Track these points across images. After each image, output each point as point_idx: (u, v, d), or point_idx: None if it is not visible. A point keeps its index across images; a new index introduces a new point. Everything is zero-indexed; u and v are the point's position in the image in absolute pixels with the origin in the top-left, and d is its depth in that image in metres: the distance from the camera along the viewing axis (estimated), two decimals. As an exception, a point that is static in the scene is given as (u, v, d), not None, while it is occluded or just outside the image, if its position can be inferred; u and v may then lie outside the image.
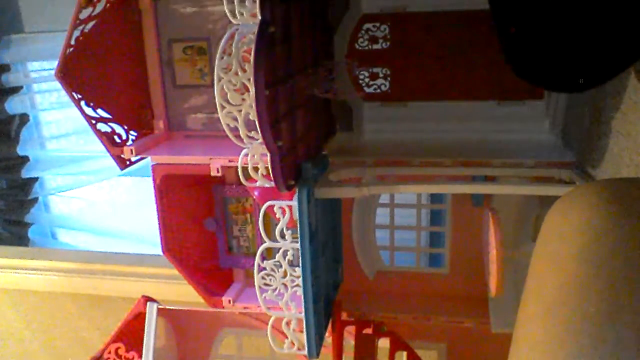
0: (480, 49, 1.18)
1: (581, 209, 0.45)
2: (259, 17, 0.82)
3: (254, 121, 0.84)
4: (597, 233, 0.43)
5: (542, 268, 0.47)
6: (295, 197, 0.95)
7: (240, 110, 0.85)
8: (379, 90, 1.28)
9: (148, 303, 1.26)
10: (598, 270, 0.41)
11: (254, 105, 0.83)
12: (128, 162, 1.16)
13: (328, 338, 1.17)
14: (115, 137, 1.15)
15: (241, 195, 1.31)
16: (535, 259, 0.48)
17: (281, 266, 1.00)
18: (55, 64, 1.04)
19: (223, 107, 0.85)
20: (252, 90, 0.83)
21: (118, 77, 1.17)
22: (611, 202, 0.45)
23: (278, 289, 1.01)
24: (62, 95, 1.89)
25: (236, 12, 0.83)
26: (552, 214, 0.49)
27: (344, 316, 1.26)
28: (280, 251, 0.99)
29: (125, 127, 1.18)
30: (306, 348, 1.04)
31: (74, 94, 1.07)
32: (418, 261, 1.36)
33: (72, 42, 1.05)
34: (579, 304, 0.40)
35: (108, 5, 1.11)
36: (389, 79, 1.27)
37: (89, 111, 1.11)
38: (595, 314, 0.39)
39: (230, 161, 1.07)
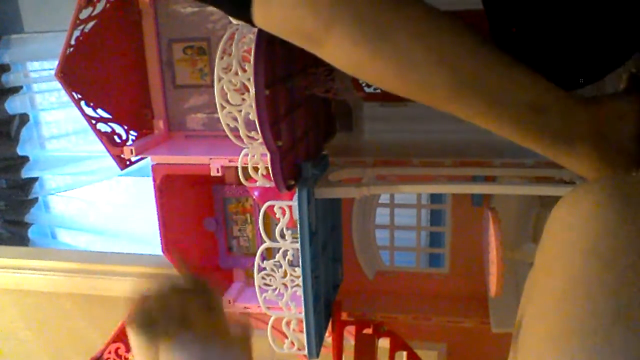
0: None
1: (592, 204, 0.45)
2: (259, 17, 0.82)
3: (254, 121, 0.84)
4: (608, 228, 0.43)
5: (548, 264, 0.46)
6: (295, 197, 0.95)
7: (240, 110, 0.85)
8: (378, 90, 1.28)
9: (148, 303, 1.26)
10: (609, 265, 0.40)
11: (254, 105, 0.83)
12: (128, 162, 1.16)
13: (328, 338, 1.17)
14: (115, 137, 1.15)
15: (241, 195, 1.31)
16: (541, 254, 0.48)
17: (281, 266, 1.00)
18: (55, 64, 1.04)
19: (223, 107, 0.85)
20: (252, 90, 0.83)
21: (118, 77, 1.17)
22: (623, 198, 0.44)
23: (278, 289, 1.01)
24: (62, 95, 1.89)
25: (236, 12, 0.83)
26: (560, 208, 0.48)
27: (344, 316, 1.26)
28: (280, 251, 0.99)
29: (125, 127, 1.18)
30: (306, 348, 1.04)
31: (74, 94, 1.07)
32: (418, 261, 1.36)
33: (72, 42, 1.05)
34: (589, 302, 0.40)
35: (108, 5, 1.11)
36: (389, 79, 1.27)
37: (89, 111, 1.11)
38: (606, 311, 0.38)
39: (230, 161, 1.07)
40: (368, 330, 1.22)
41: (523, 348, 0.44)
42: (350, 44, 0.53)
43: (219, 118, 0.86)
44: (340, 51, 0.54)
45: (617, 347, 0.36)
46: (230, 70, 0.84)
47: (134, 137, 1.19)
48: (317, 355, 1.07)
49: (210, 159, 1.09)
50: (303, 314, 1.01)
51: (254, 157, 0.91)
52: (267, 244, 0.99)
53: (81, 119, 1.10)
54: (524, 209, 1.21)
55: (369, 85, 1.28)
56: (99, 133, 1.12)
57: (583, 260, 0.42)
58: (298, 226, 0.96)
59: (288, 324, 1.04)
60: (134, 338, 0.52)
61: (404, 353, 1.21)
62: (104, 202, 2.13)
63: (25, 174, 1.96)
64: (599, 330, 0.37)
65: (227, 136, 0.87)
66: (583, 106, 0.54)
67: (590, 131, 0.53)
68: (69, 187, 2.05)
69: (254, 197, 1.13)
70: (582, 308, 0.39)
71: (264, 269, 1.00)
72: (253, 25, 0.58)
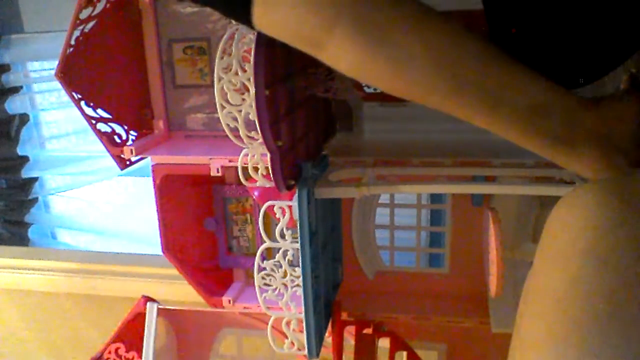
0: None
1: (592, 204, 0.45)
2: (259, 17, 0.82)
3: (254, 121, 0.84)
4: (608, 228, 0.43)
5: (548, 264, 0.46)
6: (295, 197, 0.95)
7: (240, 110, 0.85)
8: (378, 90, 1.28)
9: (148, 303, 1.26)
10: (608, 265, 0.41)
11: (254, 105, 0.83)
12: (128, 162, 1.16)
13: (328, 338, 1.17)
14: (115, 137, 1.15)
15: (241, 195, 1.31)
16: (541, 254, 0.48)
17: (281, 266, 1.00)
18: (55, 64, 1.04)
19: (223, 107, 0.85)
20: (252, 90, 0.83)
21: (118, 77, 1.17)
22: (622, 198, 0.45)
23: (278, 289, 1.01)
24: (62, 95, 1.89)
25: (236, 12, 0.83)
26: (560, 208, 0.48)
27: (344, 316, 1.25)
28: (280, 251, 0.99)
29: (125, 127, 1.18)
30: (306, 348, 1.04)
31: (74, 94, 1.07)
32: (418, 261, 1.36)
33: (72, 42, 1.05)
34: (587, 302, 0.40)
35: (108, 5, 1.11)
36: (389, 79, 1.27)
37: (89, 111, 1.11)
38: (604, 312, 0.38)
39: (230, 161, 1.08)
40: (368, 330, 1.22)
41: (523, 348, 0.44)
42: (352, 45, 0.53)
43: (219, 118, 0.86)
44: (343, 52, 0.54)
45: (616, 347, 0.36)
46: (230, 70, 0.84)
47: (134, 137, 1.19)
48: (317, 355, 1.07)
49: (210, 159, 1.09)
50: (303, 314, 1.01)
51: (254, 157, 0.91)
52: (267, 244, 0.99)
53: (81, 119, 1.10)
54: (524, 209, 1.21)
55: (369, 85, 1.28)
56: (99, 133, 1.12)
57: (582, 260, 0.42)
58: (298, 226, 0.96)
59: (288, 324, 1.04)
60: None
61: (404, 353, 1.21)
62: (104, 202, 2.13)
63: (25, 174, 1.96)
64: (598, 330, 0.37)
65: (227, 136, 0.87)
66: (584, 107, 0.54)
67: (591, 132, 0.53)
68: (69, 187, 2.05)
69: (254, 197, 1.13)
70: (581, 308, 0.39)
71: (264, 269, 1.00)
72: (251, 27, 0.57)
